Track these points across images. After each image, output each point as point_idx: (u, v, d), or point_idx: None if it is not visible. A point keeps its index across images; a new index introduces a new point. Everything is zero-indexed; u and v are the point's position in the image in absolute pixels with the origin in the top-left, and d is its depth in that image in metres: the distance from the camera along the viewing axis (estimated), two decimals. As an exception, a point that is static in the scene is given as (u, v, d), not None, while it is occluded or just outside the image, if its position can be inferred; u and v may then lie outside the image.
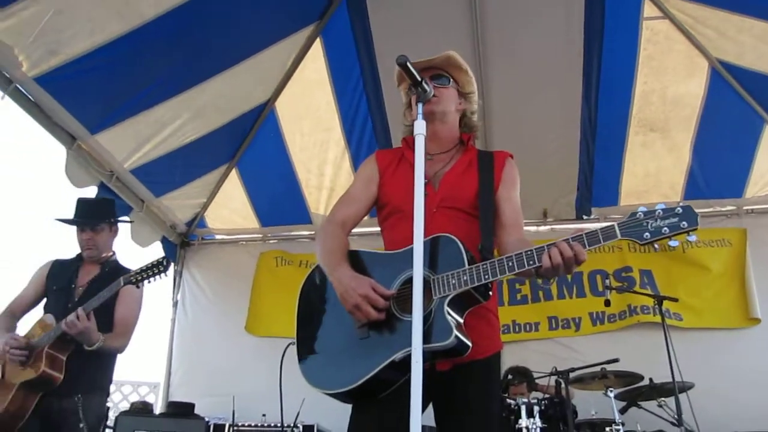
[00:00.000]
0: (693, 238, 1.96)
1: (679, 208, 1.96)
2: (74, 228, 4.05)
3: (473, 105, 2.69)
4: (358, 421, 2.33)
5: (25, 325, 3.89)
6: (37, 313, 3.93)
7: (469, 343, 2.12)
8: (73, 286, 3.83)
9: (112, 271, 3.91)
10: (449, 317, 2.10)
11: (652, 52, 5.36)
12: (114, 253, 4.07)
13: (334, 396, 2.26)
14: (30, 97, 4.57)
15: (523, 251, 2.08)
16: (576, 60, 5.37)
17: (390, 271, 2.29)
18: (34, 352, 3.54)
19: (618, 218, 6.17)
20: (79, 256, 4.02)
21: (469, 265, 2.14)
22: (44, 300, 3.95)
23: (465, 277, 2.11)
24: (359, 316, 2.20)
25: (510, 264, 2.09)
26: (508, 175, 2.55)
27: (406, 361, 2.07)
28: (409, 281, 2.14)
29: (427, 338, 2.06)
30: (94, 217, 4.06)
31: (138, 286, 3.56)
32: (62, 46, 4.31)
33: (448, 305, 2.12)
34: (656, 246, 2.02)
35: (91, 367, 3.68)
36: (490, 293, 2.20)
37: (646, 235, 1.97)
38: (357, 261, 2.39)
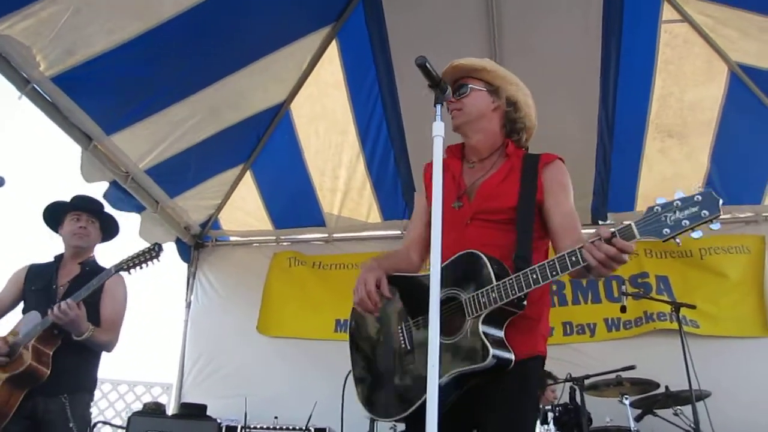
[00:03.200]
0: (717, 226, 1.78)
1: (698, 196, 1.79)
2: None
3: (511, 97, 2.53)
4: None
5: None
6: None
7: (512, 357, 2.11)
8: (54, 286, 3.74)
9: (94, 270, 3.81)
10: (485, 337, 2.08)
11: (670, 56, 5.30)
12: (94, 255, 3.98)
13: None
14: (47, 97, 4.59)
15: (545, 262, 2.05)
16: (593, 63, 5.32)
17: (427, 293, 2.26)
18: (19, 350, 3.46)
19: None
20: (57, 258, 3.93)
21: (497, 279, 2.11)
22: (21, 304, 3.86)
23: (494, 294, 2.10)
24: (354, 297, 2.26)
25: (534, 276, 2.04)
26: (551, 180, 2.39)
27: (452, 383, 2.10)
28: (446, 301, 2.17)
29: (465, 360, 2.10)
30: (93, 207, 4.02)
31: (130, 273, 3.49)
32: (79, 46, 4.33)
33: (483, 324, 2.11)
34: (678, 240, 1.83)
35: (77, 366, 3.63)
36: (524, 303, 2.15)
37: (666, 231, 1.81)
38: (398, 284, 2.40)
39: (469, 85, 2.50)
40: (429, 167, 2.61)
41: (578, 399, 4.57)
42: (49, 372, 3.43)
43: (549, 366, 5.41)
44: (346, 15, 5.40)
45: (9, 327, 3.77)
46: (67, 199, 4.04)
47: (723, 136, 5.67)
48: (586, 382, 4.65)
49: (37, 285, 3.80)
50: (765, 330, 5.75)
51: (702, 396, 4.53)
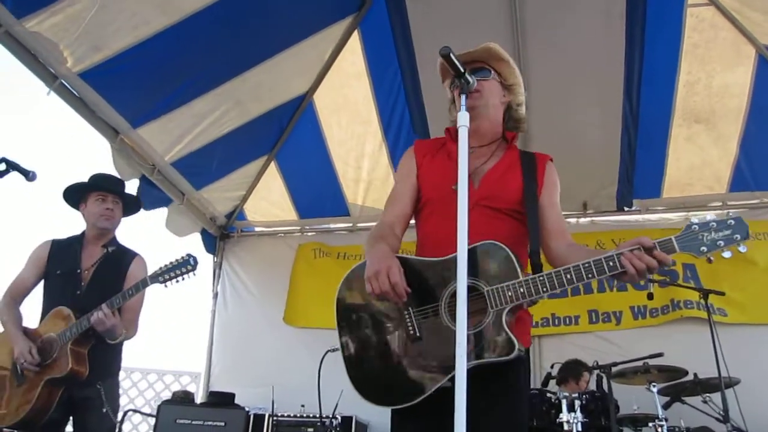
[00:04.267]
0: (744, 248, 1.97)
1: (731, 220, 1.99)
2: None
3: (518, 96, 2.58)
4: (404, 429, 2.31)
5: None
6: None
7: (524, 349, 2.14)
8: (78, 270, 3.75)
9: (118, 253, 3.87)
10: (509, 330, 2.08)
11: (696, 41, 5.22)
12: (115, 235, 3.98)
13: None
14: (74, 92, 4.67)
15: (580, 264, 2.07)
16: (617, 50, 5.26)
17: (439, 279, 2.23)
18: (54, 349, 3.52)
19: (661, 209, 6.04)
20: (79, 236, 3.91)
21: (519, 273, 2.13)
22: (42, 281, 3.86)
23: (522, 290, 2.10)
24: (374, 285, 2.15)
25: (568, 276, 2.07)
26: (550, 179, 2.48)
27: (470, 372, 1.99)
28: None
29: (488, 351, 2.08)
30: (117, 189, 4.00)
31: (166, 286, 3.44)
32: (106, 42, 4.40)
33: (506, 316, 2.11)
34: (711, 258, 2.01)
35: (108, 356, 3.70)
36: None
37: (703, 249, 1.99)
38: (405, 267, 2.25)
39: (491, 72, 2.51)
40: (419, 144, 2.66)
41: (605, 387, 4.55)
42: (87, 371, 3.52)
43: (576, 354, 5.44)
44: (368, 5, 5.41)
45: (30, 305, 3.86)
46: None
47: (752, 121, 5.57)
48: (614, 369, 4.61)
49: (62, 268, 3.79)
50: (794, 317, 5.68)
51: (731, 383, 4.49)
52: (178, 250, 3.50)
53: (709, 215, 2.03)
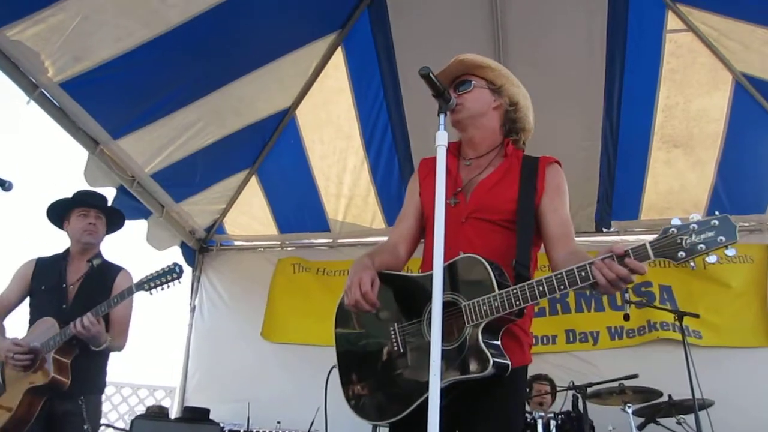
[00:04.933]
0: (732, 252, 1.74)
1: (715, 221, 1.75)
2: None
3: (513, 97, 2.51)
4: None
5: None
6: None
7: (509, 363, 2.08)
8: (64, 285, 3.74)
9: (103, 267, 3.87)
10: (484, 346, 2.04)
11: (675, 66, 5.30)
12: (100, 250, 3.99)
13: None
14: (55, 102, 4.63)
15: (553, 275, 1.98)
16: (598, 72, 5.33)
17: (423, 294, 2.21)
18: (39, 357, 3.51)
19: (639, 231, 6.06)
20: (64, 253, 3.92)
21: (498, 285, 2.06)
22: (27, 299, 3.86)
23: (496, 304, 2.04)
24: (349, 296, 2.18)
25: (540, 289, 1.98)
26: (551, 184, 2.38)
27: (448, 389, 2.01)
28: (444, 306, 2.00)
29: (463, 368, 2.05)
30: (100, 203, 4.02)
31: (151, 293, 3.45)
32: (87, 53, 4.38)
33: (483, 332, 2.06)
34: (692, 264, 1.81)
35: (92, 369, 3.69)
36: (524, 312, 2.13)
37: (681, 254, 1.78)
38: (389, 283, 2.30)
39: (472, 82, 2.48)
40: (423, 163, 2.64)
41: (581, 407, 4.57)
42: (69, 381, 3.48)
43: (552, 373, 5.45)
44: (352, 22, 5.43)
45: (14, 322, 3.84)
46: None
47: (729, 146, 5.65)
48: (589, 390, 4.65)
49: (47, 284, 3.80)
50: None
51: (705, 405, 4.53)
52: (157, 263, 3.51)
53: (695, 215, 1.80)
